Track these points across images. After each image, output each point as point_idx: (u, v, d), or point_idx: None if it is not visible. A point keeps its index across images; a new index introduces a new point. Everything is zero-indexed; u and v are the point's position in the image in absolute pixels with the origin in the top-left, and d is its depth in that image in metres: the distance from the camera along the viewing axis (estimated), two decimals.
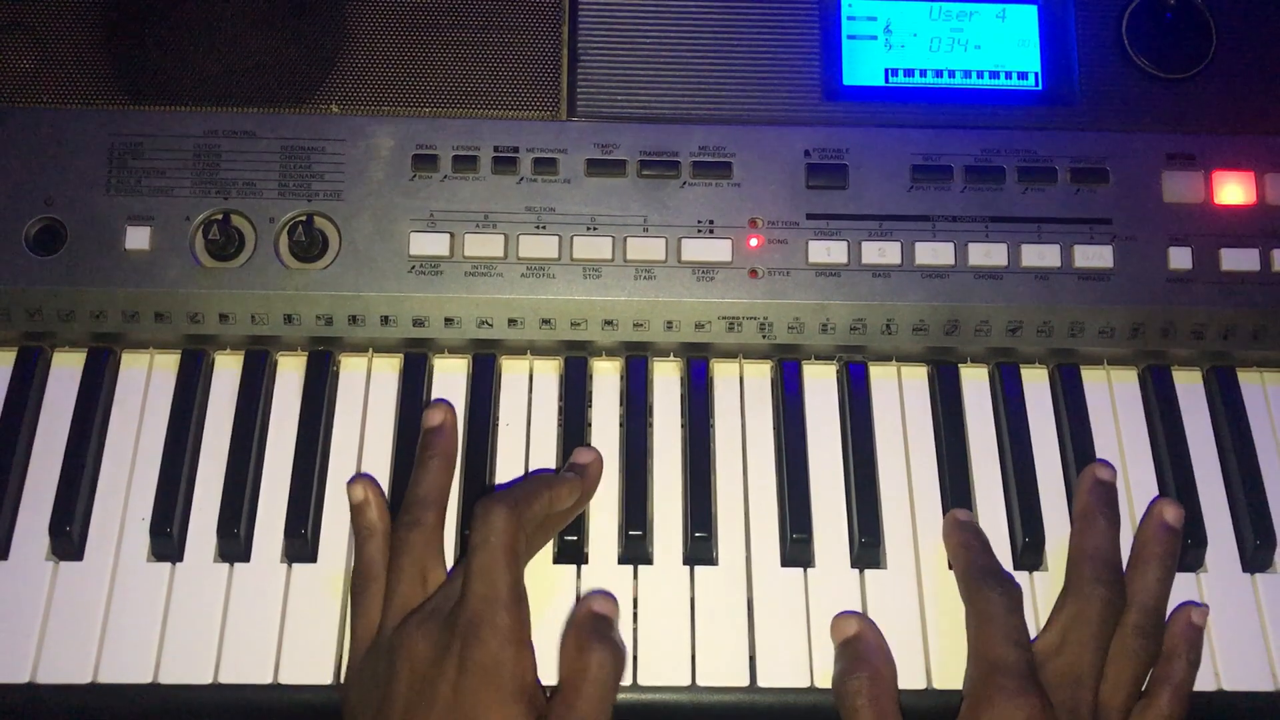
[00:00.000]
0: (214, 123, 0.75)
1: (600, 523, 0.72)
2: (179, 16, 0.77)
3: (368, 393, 0.75)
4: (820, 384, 0.76)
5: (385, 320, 0.74)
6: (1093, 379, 0.77)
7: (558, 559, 0.70)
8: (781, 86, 0.78)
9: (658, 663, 0.68)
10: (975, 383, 0.77)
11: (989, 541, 0.70)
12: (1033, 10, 0.81)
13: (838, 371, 0.77)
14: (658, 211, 0.75)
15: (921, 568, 0.71)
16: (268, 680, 0.67)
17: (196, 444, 0.73)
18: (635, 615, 0.69)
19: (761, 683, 0.68)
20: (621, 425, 0.74)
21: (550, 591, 0.69)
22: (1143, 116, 0.78)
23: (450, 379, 0.76)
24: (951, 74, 0.80)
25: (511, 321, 0.74)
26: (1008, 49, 0.80)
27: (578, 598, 0.69)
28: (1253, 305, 0.75)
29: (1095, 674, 0.65)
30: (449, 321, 0.74)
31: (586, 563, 0.70)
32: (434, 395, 0.75)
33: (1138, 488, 0.74)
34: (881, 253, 0.74)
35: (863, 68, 0.79)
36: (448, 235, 0.74)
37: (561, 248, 0.74)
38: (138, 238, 0.73)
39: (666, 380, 0.76)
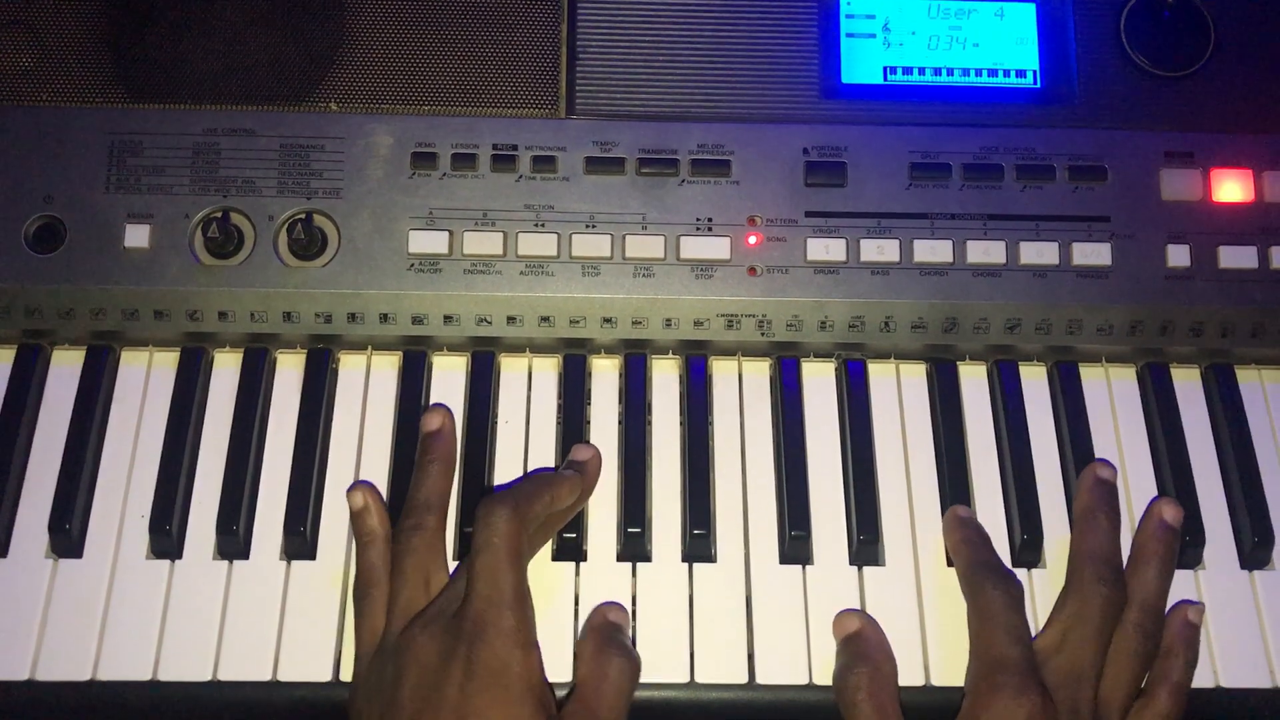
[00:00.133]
0: (213, 121, 0.75)
1: (599, 520, 0.72)
2: (178, 15, 0.77)
3: (367, 390, 0.75)
4: (819, 382, 0.76)
5: (384, 318, 0.74)
6: (1091, 377, 0.77)
7: (556, 556, 0.70)
8: (780, 84, 0.78)
9: (656, 660, 0.68)
10: (974, 380, 0.77)
11: (989, 538, 0.70)
12: (1031, 8, 0.81)
13: (836, 369, 0.77)
14: (656, 209, 0.75)
15: (920, 565, 0.71)
16: (266, 677, 0.67)
17: (196, 441, 0.73)
18: (634, 613, 0.69)
19: (760, 680, 0.68)
20: (620, 423, 0.75)
21: (549, 589, 0.69)
22: (1141, 114, 0.78)
23: (449, 376, 0.76)
24: (950, 72, 0.80)
25: (510, 319, 0.74)
26: (1006, 47, 0.80)
27: (576, 595, 0.69)
28: (1251, 303, 0.75)
29: (1096, 671, 0.65)
30: (448, 319, 0.74)
31: (585, 560, 0.71)
32: (433, 392, 0.75)
33: (1136, 485, 0.74)
34: (880, 250, 0.74)
35: (861, 66, 0.79)
36: (447, 233, 0.74)
37: (560, 245, 0.74)
38: (137, 236, 0.73)
39: (665, 378, 0.76)
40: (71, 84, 0.76)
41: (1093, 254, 0.75)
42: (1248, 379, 0.77)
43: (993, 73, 0.80)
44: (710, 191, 0.75)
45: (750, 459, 0.74)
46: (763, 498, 0.73)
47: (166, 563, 0.70)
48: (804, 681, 0.68)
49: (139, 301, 0.73)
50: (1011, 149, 0.77)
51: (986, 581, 0.67)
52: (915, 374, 0.77)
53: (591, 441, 0.73)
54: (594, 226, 0.74)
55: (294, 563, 0.70)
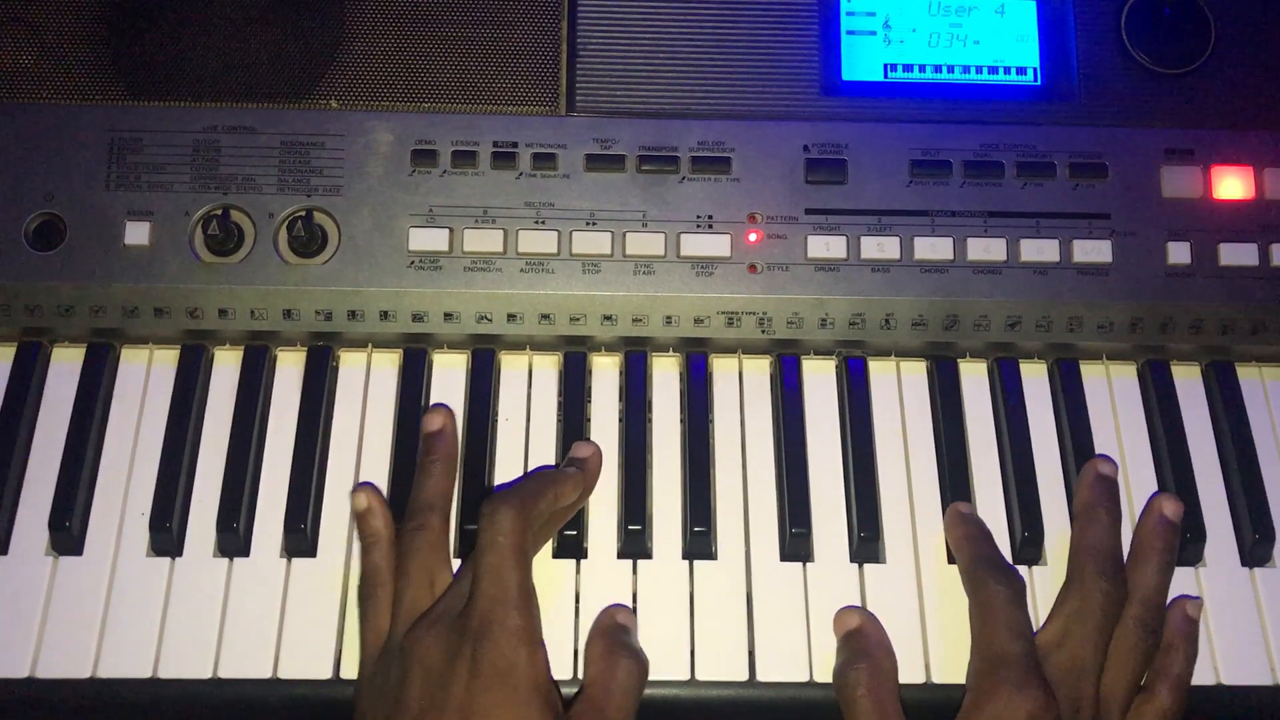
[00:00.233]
0: (213, 118, 0.75)
1: (600, 518, 0.72)
2: (178, 12, 0.77)
3: (367, 388, 0.75)
4: (819, 379, 0.76)
5: (384, 315, 0.74)
6: (1092, 374, 0.77)
7: (557, 554, 0.70)
8: (781, 82, 0.78)
9: (657, 657, 0.67)
10: (974, 378, 0.77)
11: (991, 534, 0.70)
12: (1032, 6, 0.81)
13: (837, 366, 0.77)
14: (657, 206, 0.75)
15: (920, 562, 0.71)
16: (267, 675, 0.67)
17: (196, 439, 0.73)
18: (635, 610, 0.69)
19: (760, 677, 0.68)
20: (621, 420, 0.75)
21: (550, 586, 0.69)
22: (1141, 111, 0.78)
23: (449, 374, 0.76)
24: (950, 69, 0.80)
25: (511, 316, 0.74)
26: (1007, 44, 0.80)
27: (577, 593, 0.69)
28: (1251, 300, 0.75)
29: (1097, 667, 0.65)
30: (448, 316, 0.74)
31: (586, 557, 0.71)
32: (433, 390, 0.75)
33: (1136, 483, 0.74)
34: (880, 248, 0.74)
35: (862, 63, 0.79)
36: (447, 230, 0.74)
37: (561, 243, 0.74)
38: (137, 233, 0.73)
39: (666, 375, 0.76)
40: (72, 81, 0.76)
41: (1093, 251, 0.75)
42: (1248, 376, 0.77)
43: (993, 70, 0.80)
44: (711, 189, 0.75)
45: (751, 456, 0.74)
46: (763, 495, 0.72)
47: (167, 560, 0.70)
48: (805, 679, 0.68)
49: (139, 299, 0.73)
50: (1012, 146, 0.77)
51: (988, 577, 0.67)
52: (916, 371, 0.77)
53: (592, 439, 0.73)
54: (594, 224, 0.74)
55: (294, 560, 0.70)
